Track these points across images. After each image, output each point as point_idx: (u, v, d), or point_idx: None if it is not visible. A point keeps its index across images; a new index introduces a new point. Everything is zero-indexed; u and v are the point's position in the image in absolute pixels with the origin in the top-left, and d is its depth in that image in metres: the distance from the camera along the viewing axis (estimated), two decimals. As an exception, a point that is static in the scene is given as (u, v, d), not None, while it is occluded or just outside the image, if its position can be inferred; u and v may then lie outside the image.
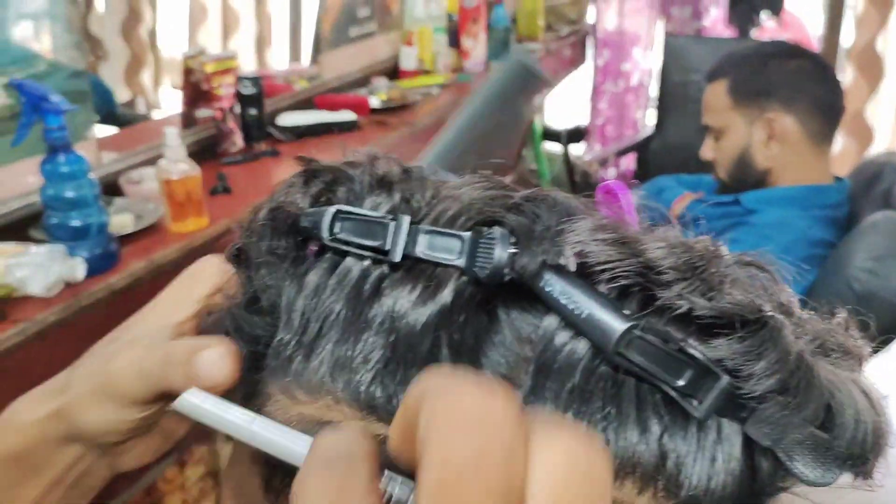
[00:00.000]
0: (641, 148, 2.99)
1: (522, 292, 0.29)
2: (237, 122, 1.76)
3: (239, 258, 0.36)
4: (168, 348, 0.33)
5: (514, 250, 0.29)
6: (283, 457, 0.27)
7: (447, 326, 0.29)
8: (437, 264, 0.30)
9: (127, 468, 0.40)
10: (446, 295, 0.30)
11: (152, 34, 3.33)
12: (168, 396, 0.34)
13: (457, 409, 0.20)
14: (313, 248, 0.34)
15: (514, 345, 0.29)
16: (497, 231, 0.29)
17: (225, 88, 1.72)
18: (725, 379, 0.27)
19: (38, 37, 1.37)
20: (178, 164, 1.36)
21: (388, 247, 0.31)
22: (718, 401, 0.27)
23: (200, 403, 0.29)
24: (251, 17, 3.35)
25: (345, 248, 0.32)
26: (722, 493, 0.28)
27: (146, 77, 3.32)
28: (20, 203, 1.34)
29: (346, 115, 1.95)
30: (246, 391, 0.38)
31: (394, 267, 0.31)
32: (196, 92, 1.74)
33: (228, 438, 0.36)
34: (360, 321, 0.31)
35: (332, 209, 0.32)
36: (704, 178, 1.77)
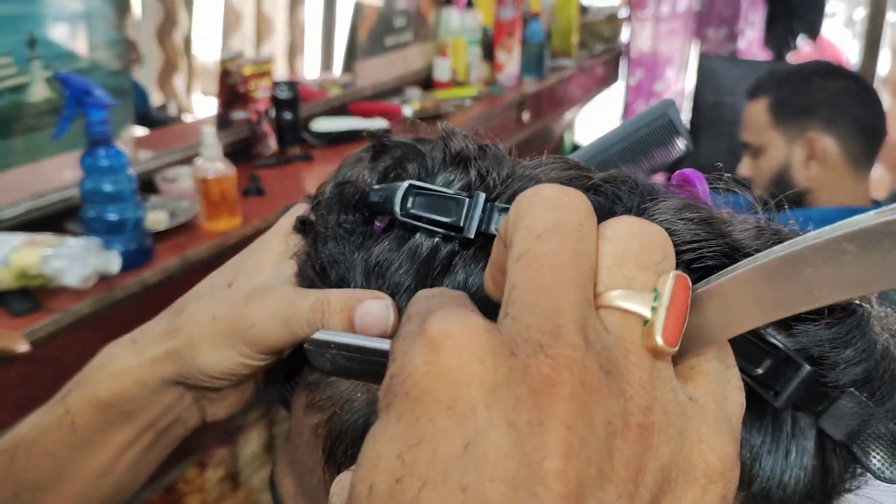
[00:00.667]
0: (673, 168, 2.97)
1: None
2: (272, 126, 1.77)
3: (305, 229, 0.36)
4: (321, 297, 0.32)
5: None
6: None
7: None
8: None
9: (216, 418, 0.40)
10: None
11: (187, 39, 3.36)
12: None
13: (540, 195, 0.22)
14: (379, 223, 0.34)
15: None
16: None
17: (261, 91, 1.73)
18: (807, 368, 0.26)
19: (79, 34, 1.38)
20: (215, 164, 1.36)
21: (462, 223, 0.30)
22: (799, 391, 0.26)
23: (338, 336, 0.29)
24: (284, 26, 3.38)
25: (416, 223, 0.31)
26: (794, 489, 0.27)
27: (179, 82, 3.35)
28: (57, 196, 1.35)
29: (380, 123, 1.96)
30: (289, 368, 0.38)
31: (466, 244, 0.31)
32: (232, 94, 1.75)
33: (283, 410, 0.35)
34: None
35: (404, 184, 0.32)
36: (739, 197, 1.75)
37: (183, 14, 3.33)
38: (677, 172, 0.34)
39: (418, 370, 0.19)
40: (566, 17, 2.89)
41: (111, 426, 0.38)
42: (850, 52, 3.49)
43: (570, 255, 0.20)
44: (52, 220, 1.32)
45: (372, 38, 2.20)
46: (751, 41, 3.34)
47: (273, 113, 1.77)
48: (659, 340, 0.20)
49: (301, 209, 0.38)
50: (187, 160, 1.55)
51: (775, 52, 3.13)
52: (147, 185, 1.48)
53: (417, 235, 0.32)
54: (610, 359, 0.20)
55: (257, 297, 0.34)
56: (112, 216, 1.20)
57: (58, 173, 1.36)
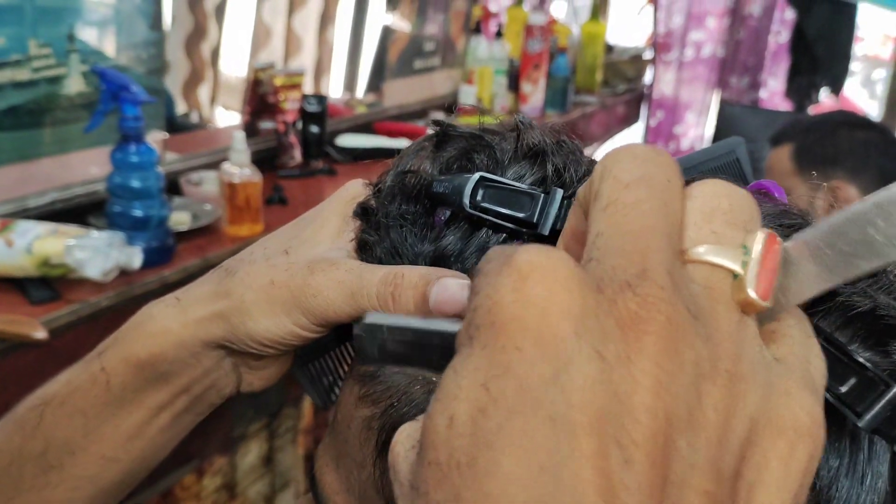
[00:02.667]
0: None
1: None
2: (297, 138, 1.78)
3: (366, 216, 0.35)
4: (394, 270, 0.32)
5: None
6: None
7: None
8: None
9: (251, 388, 0.39)
10: None
11: (215, 51, 3.40)
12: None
13: (629, 150, 0.22)
14: (441, 216, 0.33)
15: None
16: None
17: (290, 103, 1.75)
18: (894, 389, 0.25)
19: (119, 32, 1.40)
20: (242, 169, 1.37)
21: (536, 219, 0.30)
22: (884, 412, 0.25)
23: (393, 318, 0.28)
24: (313, 44, 3.42)
25: (485, 216, 0.31)
26: None
27: (203, 93, 3.38)
28: (83, 189, 1.35)
29: (404, 143, 1.96)
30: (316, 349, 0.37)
31: (536, 241, 0.30)
32: (261, 104, 1.76)
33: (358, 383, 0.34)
34: None
35: (475, 175, 0.31)
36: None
37: (213, 26, 3.38)
38: (754, 183, 0.34)
39: (504, 298, 0.19)
40: (592, 54, 2.91)
41: (147, 387, 0.37)
42: (869, 111, 3.50)
43: (659, 203, 0.20)
44: (76, 212, 1.33)
45: (401, 60, 2.23)
46: (773, 91, 3.36)
47: (300, 125, 1.78)
48: (752, 293, 0.20)
49: (356, 187, 0.37)
50: (212, 165, 1.55)
51: (797, 103, 3.15)
52: (172, 187, 1.49)
53: (483, 230, 0.31)
54: (698, 305, 0.20)
55: (323, 267, 0.33)
56: (137, 212, 1.21)
57: (85, 167, 1.36)
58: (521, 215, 0.30)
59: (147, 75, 1.44)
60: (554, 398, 0.17)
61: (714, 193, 0.21)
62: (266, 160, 1.74)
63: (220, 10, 3.36)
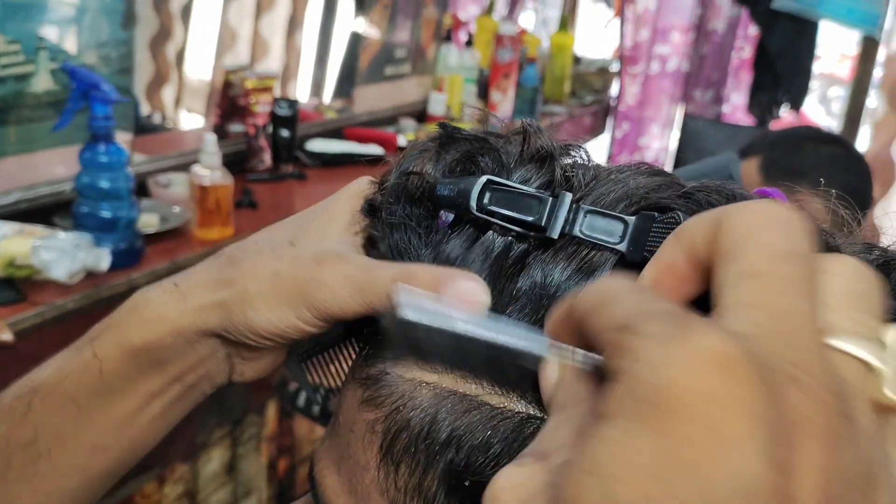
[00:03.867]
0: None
1: None
2: (268, 141, 1.76)
3: (373, 212, 0.35)
4: (405, 269, 0.31)
5: None
6: (524, 348, 0.26)
7: None
8: (592, 247, 0.29)
9: (242, 378, 0.38)
10: (604, 274, 0.29)
11: (180, 53, 3.36)
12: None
13: (773, 213, 0.21)
14: (444, 218, 0.33)
15: None
16: (681, 217, 0.28)
17: (261, 106, 1.73)
18: None
19: (88, 30, 1.38)
20: (213, 172, 1.35)
21: (544, 222, 0.30)
22: None
23: (430, 315, 0.27)
24: (280, 49, 3.40)
25: (491, 219, 0.30)
26: None
27: (167, 95, 3.33)
28: (49, 189, 1.33)
29: (374, 149, 1.96)
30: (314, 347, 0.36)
31: (541, 244, 0.30)
32: (232, 106, 1.74)
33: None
34: (503, 293, 0.30)
35: (482, 179, 0.31)
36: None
37: (179, 27, 3.33)
38: (757, 190, 0.35)
39: (680, 381, 0.18)
40: (560, 65, 2.94)
41: (140, 375, 0.36)
42: (828, 127, 3.58)
43: (807, 283, 0.20)
44: (41, 213, 1.30)
45: (372, 66, 2.22)
46: (735, 106, 3.41)
47: (270, 129, 1.77)
48: (892, 395, 0.20)
49: (364, 183, 0.37)
50: (181, 167, 1.53)
51: (758, 118, 3.21)
52: (139, 189, 1.47)
53: (490, 233, 0.31)
54: (844, 401, 0.19)
55: (331, 261, 0.32)
56: (105, 213, 1.19)
57: (51, 166, 1.34)
58: (529, 219, 0.30)
59: (114, 75, 1.41)
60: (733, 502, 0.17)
61: (853, 274, 0.22)
62: (235, 163, 1.72)
63: (185, 12, 3.32)
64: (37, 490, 0.37)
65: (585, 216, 0.30)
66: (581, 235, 0.29)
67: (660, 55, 3.34)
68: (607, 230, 0.29)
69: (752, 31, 3.20)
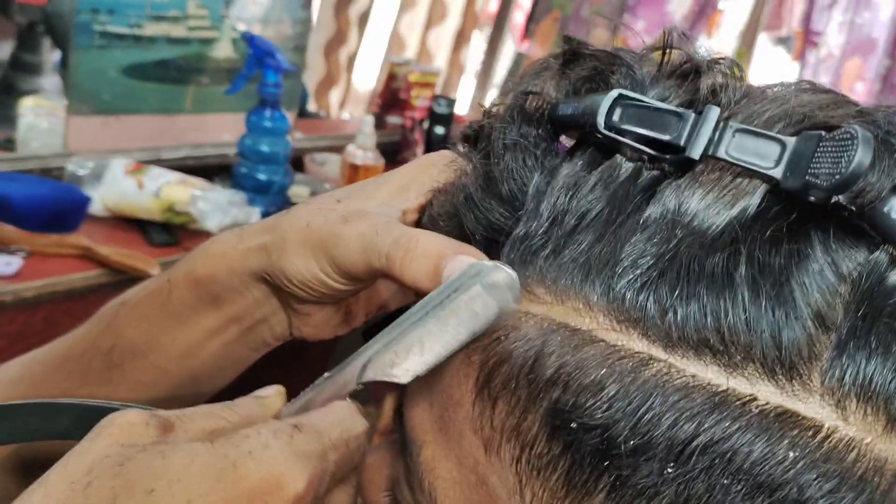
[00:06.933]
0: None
1: (842, 218, 0.25)
2: (422, 137, 1.79)
3: (476, 139, 0.32)
4: (409, 233, 0.31)
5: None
6: None
7: (749, 239, 0.25)
8: (740, 172, 0.25)
9: (301, 334, 0.39)
10: (752, 203, 0.25)
11: (351, 58, 3.49)
12: (369, 279, 0.34)
13: None
14: (565, 143, 0.30)
15: (832, 277, 0.24)
16: (859, 132, 0.24)
17: (421, 101, 1.76)
18: None
19: (272, 4, 1.45)
20: (366, 152, 1.38)
21: (683, 141, 0.26)
22: None
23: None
24: (444, 63, 3.46)
25: (620, 139, 0.27)
26: None
27: (334, 97, 3.47)
28: (214, 151, 1.40)
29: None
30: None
31: (678, 169, 0.27)
32: (392, 98, 1.78)
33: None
34: (628, 222, 0.26)
35: (613, 92, 0.28)
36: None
37: (353, 33, 3.47)
38: None
39: None
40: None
41: (200, 306, 0.38)
42: None
43: None
44: (205, 171, 1.37)
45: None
46: None
47: (426, 125, 1.79)
48: None
49: (437, 155, 0.36)
50: (336, 149, 1.58)
51: None
52: (296, 163, 1.52)
53: (616, 156, 0.27)
54: None
55: (354, 218, 0.33)
56: (262, 176, 1.23)
57: (218, 130, 1.41)
58: (665, 137, 0.26)
59: (289, 52, 1.48)
60: None
61: None
62: (388, 153, 1.75)
63: (363, 19, 3.46)
64: (109, 397, 0.38)
65: (734, 135, 0.26)
66: (727, 158, 0.25)
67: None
68: (760, 153, 0.25)
69: None
